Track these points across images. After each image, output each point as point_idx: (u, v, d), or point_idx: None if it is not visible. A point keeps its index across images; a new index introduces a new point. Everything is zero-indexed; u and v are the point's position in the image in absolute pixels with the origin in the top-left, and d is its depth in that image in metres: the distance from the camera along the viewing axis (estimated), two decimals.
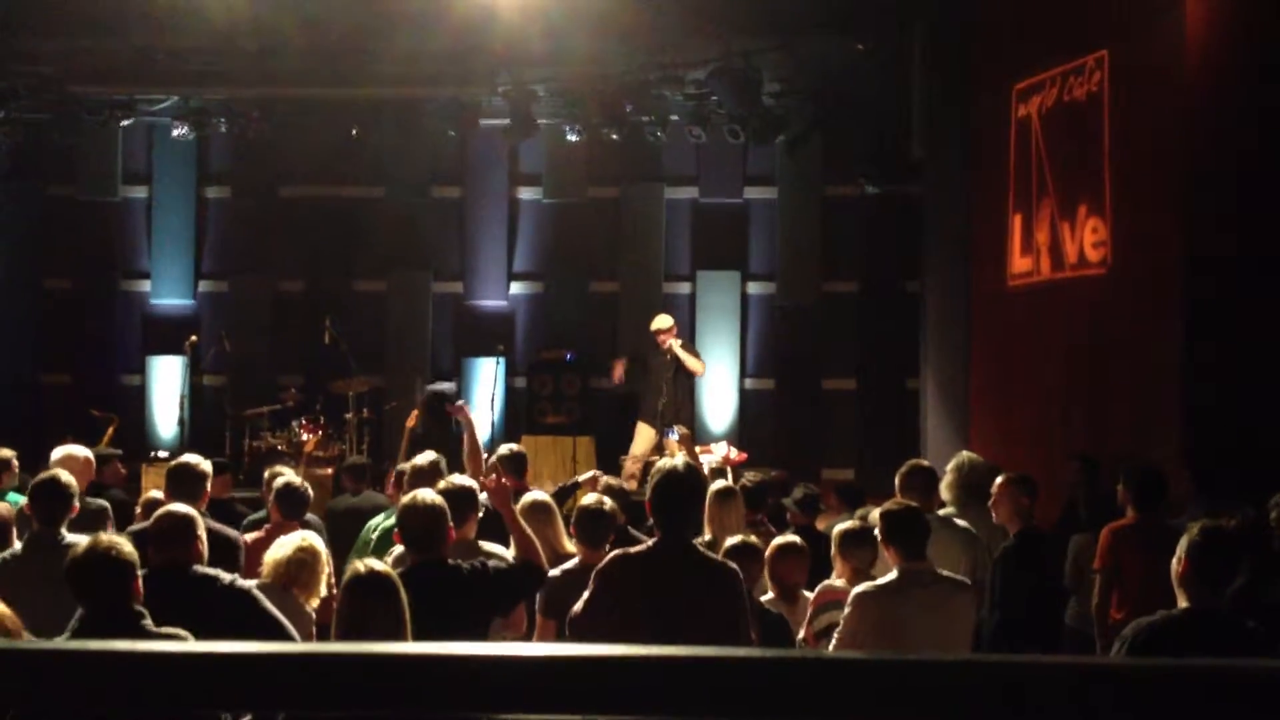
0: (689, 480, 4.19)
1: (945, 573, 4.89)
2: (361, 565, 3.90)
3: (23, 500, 6.08)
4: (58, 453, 6.76)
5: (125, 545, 3.82)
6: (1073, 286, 9.11)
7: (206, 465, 5.82)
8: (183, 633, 3.69)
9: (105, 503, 6.44)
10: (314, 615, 5.09)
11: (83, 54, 11.65)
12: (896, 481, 6.26)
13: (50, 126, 12.50)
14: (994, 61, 10.38)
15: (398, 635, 3.71)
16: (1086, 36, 9.01)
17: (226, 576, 4.44)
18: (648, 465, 10.93)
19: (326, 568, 5.16)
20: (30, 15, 10.67)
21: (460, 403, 7.41)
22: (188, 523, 4.41)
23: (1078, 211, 9.02)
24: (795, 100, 12.39)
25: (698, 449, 10.66)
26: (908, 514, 4.83)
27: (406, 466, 6.55)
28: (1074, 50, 9.10)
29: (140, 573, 4.28)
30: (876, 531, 4.99)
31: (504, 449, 7.20)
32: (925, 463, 6.68)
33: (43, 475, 5.49)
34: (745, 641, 4.05)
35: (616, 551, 4.22)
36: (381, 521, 6.24)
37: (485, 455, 6.93)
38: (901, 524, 4.76)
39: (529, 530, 4.75)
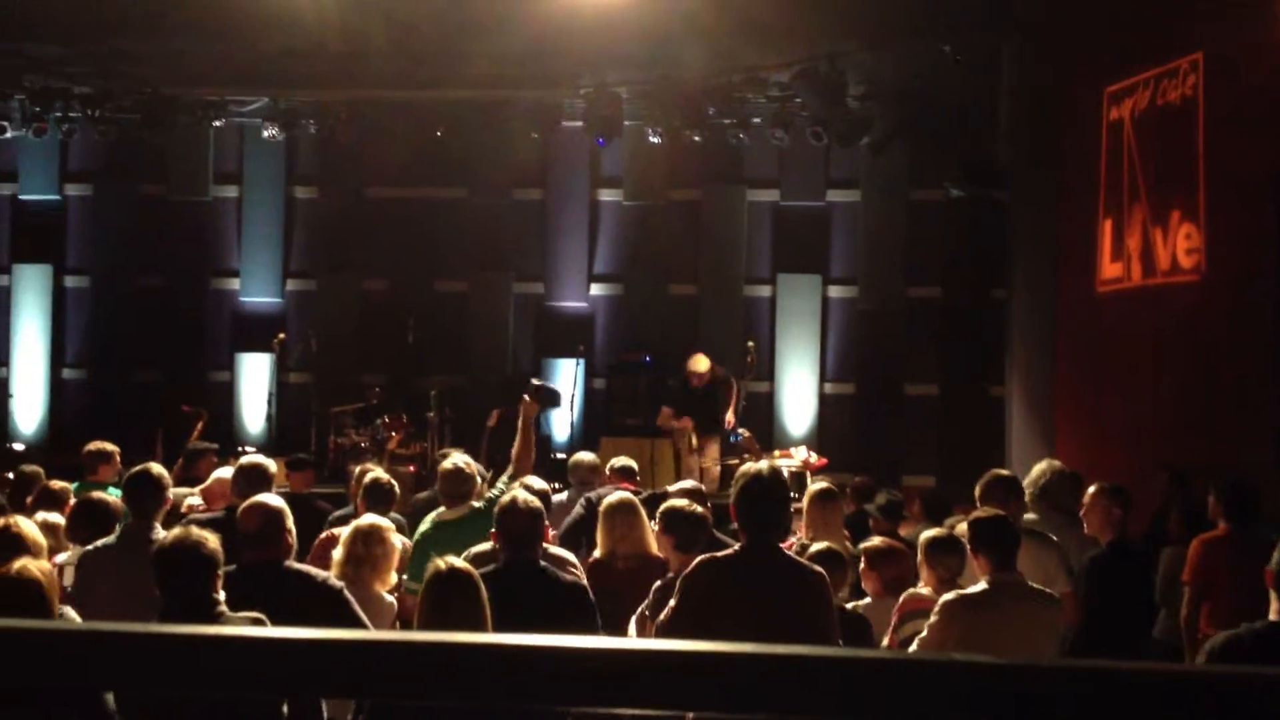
0: (774, 483, 4.16)
1: (1035, 585, 4.80)
2: (442, 563, 3.94)
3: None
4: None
5: (212, 540, 3.88)
6: (1165, 293, 8.92)
7: (273, 466, 6.17)
8: (261, 616, 3.75)
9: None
10: (395, 604, 5.14)
11: (177, 56, 11.91)
12: (976, 491, 6.15)
13: (144, 127, 12.77)
14: (1085, 64, 10.20)
15: (478, 631, 3.73)
16: (1181, 39, 8.82)
17: (320, 574, 4.50)
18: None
19: (397, 550, 5.22)
20: (126, 18, 10.91)
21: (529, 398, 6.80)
22: (277, 518, 4.47)
23: (1170, 217, 8.83)
24: (880, 103, 12.26)
25: (777, 453, 10.64)
26: (998, 523, 4.75)
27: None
28: (1168, 52, 8.92)
29: (229, 568, 4.36)
30: (965, 540, 4.92)
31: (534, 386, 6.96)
32: (1005, 472, 6.55)
33: (136, 468, 5.59)
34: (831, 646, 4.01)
35: (703, 556, 4.19)
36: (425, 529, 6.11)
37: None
38: (991, 533, 4.69)
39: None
